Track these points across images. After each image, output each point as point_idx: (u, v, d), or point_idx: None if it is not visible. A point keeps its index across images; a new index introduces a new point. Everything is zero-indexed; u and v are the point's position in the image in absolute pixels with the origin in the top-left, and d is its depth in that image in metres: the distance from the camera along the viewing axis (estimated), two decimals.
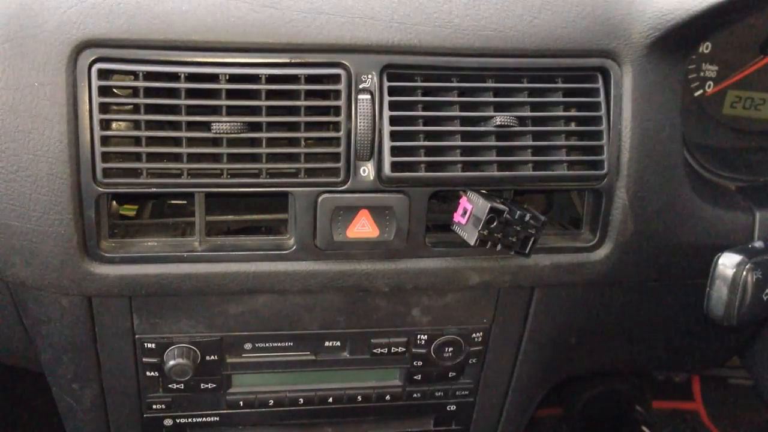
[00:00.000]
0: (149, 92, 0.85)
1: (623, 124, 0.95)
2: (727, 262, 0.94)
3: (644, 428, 1.91)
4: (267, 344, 1.04)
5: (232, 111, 0.86)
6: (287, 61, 0.87)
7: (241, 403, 1.09)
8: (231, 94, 0.86)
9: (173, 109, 0.85)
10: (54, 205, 0.85)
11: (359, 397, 1.12)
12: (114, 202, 0.94)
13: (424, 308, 1.05)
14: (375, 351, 1.07)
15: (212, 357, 1.03)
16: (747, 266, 0.93)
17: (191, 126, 0.85)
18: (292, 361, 1.07)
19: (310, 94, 0.88)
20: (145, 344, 1.00)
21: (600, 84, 0.95)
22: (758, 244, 0.98)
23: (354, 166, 0.89)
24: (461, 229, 0.92)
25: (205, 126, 0.86)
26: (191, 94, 0.85)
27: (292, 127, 0.88)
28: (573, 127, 0.96)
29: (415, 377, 1.11)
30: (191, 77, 0.85)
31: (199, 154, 0.87)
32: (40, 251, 0.87)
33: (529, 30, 0.92)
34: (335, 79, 0.88)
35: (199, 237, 0.92)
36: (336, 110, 0.88)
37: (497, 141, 0.92)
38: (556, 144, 0.94)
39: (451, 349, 1.08)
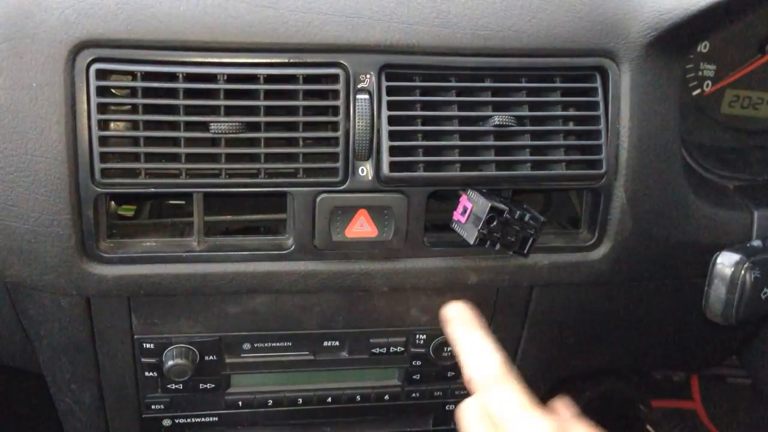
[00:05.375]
0: (147, 92, 0.85)
1: (621, 123, 0.95)
2: (726, 261, 0.94)
3: (649, 428, 1.90)
4: (266, 344, 1.04)
5: (230, 111, 0.86)
6: (285, 61, 0.87)
7: (240, 403, 1.09)
8: (229, 94, 0.86)
9: (171, 110, 0.85)
10: (52, 206, 0.85)
11: (358, 397, 1.12)
12: (112, 203, 0.94)
13: (423, 308, 1.05)
14: (374, 351, 1.07)
15: (211, 357, 1.03)
16: (745, 265, 0.93)
17: (189, 126, 0.85)
18: (291, 361, 1.07)
19: (308, 94, 0.88)
20: (144, 344, 1.00)
21: (598, 83, 0.95)
22: (756, 243, 0.99)
23: (352, 165, 0.90)
24: (461, 227, 0.92)
25: (204, 126, 0.86)
26: (189, 94, 0.85)
27: (291, 127, 0.88)
28: (571, 126, 0.96)
29: (413, 377, 1.12)
30: (189, 77, 0.85)
31: (197, 154, 0.87)
32: (38, 251, 0.87)
33: (528, 29, 0.92)
34: (333, 79, 0.88)
35: (197, 237, 0.92)
36: (334, 110, 0.88)
37: (496, 140, 0.92)
38: (554, 143, 0.94)
39: (449, 348, 1.08)
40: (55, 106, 0.83)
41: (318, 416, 1.14)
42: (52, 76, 0.82)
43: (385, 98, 0.89)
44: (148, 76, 0.84)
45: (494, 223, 0.88)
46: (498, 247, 0.91)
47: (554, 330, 1.14)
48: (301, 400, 1.11)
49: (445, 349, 1.08)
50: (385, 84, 0.89)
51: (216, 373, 1.05)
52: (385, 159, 0.89)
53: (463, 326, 0.87)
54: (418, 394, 1.14)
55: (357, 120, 0.88)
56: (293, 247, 0.92)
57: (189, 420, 1.10)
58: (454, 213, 0.93)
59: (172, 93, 0.85)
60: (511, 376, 0.80)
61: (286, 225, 0.94)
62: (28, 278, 0.90)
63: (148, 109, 0.84)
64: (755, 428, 1.93)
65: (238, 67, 0.86)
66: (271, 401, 1.10)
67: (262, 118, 0.86)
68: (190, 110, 0.85)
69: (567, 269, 1.00)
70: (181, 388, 1.05)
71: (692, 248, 1.03)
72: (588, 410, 2.04)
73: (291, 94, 0.88)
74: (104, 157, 0.85)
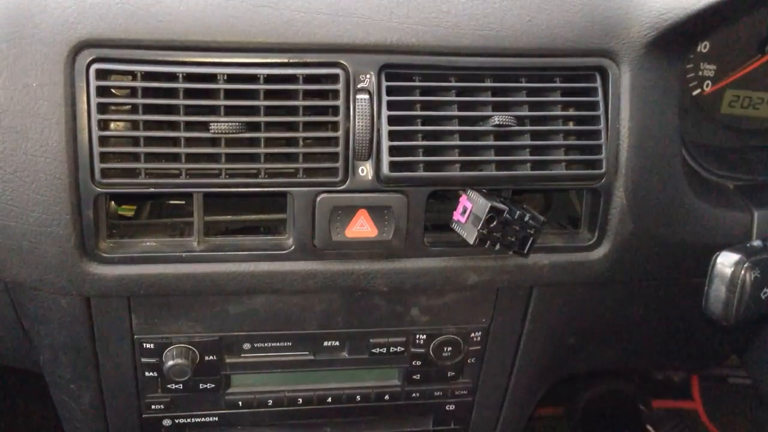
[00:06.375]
0: (147, 92, 0.85)
1: (621, 123, 0.95)
2: (726, 261, 0.94)
3: (649, 427, 1.91)
4: (266, 344, 1.04)
5: (230, 111, 0.86)
6: (285, 61, 0.87)
7: (240, 403, 1.09)
8: (229, 94, 0.86)
9: (171, 109, 0.85)
10: (52, 206, 0.85)
11: (358, 397, 1.12)
12: (112, 203, 0.94)
13: (423, 308, 1.05)
14: (374, 351, 1.07)
15: (211, 357, 1.03)
16: (745, 265, 0.92)
17: (189, 126, 0.85)
18: (291, 361, 1.07)
19: (308, 94, 0.88)
20: (144, 344, 1.00)
21: (598, 83, 0.95)
22: (756, 242, 0.98)
23: (352, 165, 0.90)
24: (461, 227, 0.92)
25: (204, 126, 0.86)
26: (189, 94, 0.85)
27: (291, 126, 0.88)
28: (571, 126, 0.96)
29: (413, 377, 1.12)
30: (189, 77, 0.85)
31: (197, 154, 0.87)
32: (38, 251, 0.87)
33: (528, 29, 0.92)
34: (333, 78, 0.88)
35: (197, 237, 0.92)
36: (334, 110, 0.88)
37: (495, 140, 0.92)
38: (554, 143, 0.94)
39: (449, 348, 1.08)
40: (55, 106, 0.83)
41: (318, 416, 1.14)
42: (52, 76, 0.82)
43: (385, 98, 0.89)
44: (148, 76, 0.84)
45: (494, 223, 0.88)
46: (498, 247, 0.91)
47: (554, 330, 1.14)
48: (301, 400, 1.11)
49: (445, 349, 1.08)
50: (385, 84, 0.89)
51: (216, 373, 1.05)
52: (385, 159, 0.89)
53: None
54: (418, 394, 1.14)
55: (357, 120, 0.88)
56: (293, 247, 0.92)
57: (189, 420, 1.10)
58: (454, 213, 0.93)
59: (172, 93, 0.85)
60: None
61: (286, 225, 0.94)
62: (28, 278, 0.90)
63: (148, 109, 0.84)
64: (755, 428, 1.93)
65: (238, 67, 0.86)
66: (271, 401, 1.10)
67: (262, 118, 0.86)
68: (190, 110, 0.85)
69: (567, 269, 1.00)
70: (181, 388, 1.05)
71: (692, 248, 1.03)
72: (588, 410, 2.05)
73: (291, 94, 0.88)
74: (104, 157, 0.85)
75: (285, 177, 0.89)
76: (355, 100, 0.88)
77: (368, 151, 0.89)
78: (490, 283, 1.00)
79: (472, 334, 1.08)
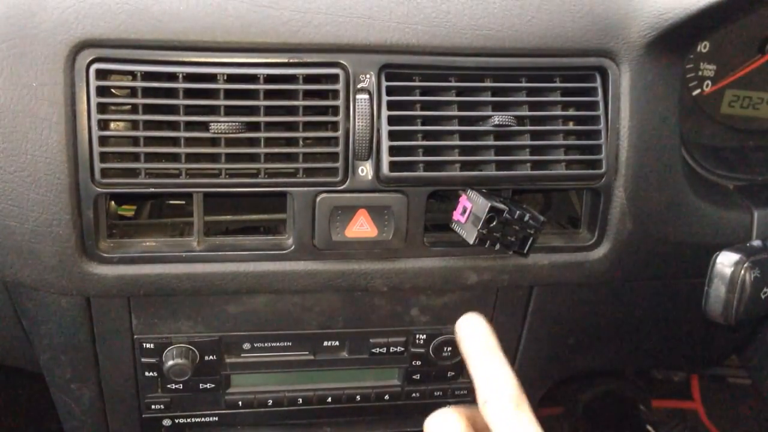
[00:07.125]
0: (147, 92, 0.85)
1: (621, 123, 0.95)
2: (725, 261, 0.94)
3: (649, 428, 1.91)
4: (266, 344, 1.04)
5: (230, 111, 0.86)
6: (285, 61, 0.87)
7: (240, 403, 1.09)
8: (229, 94, 0.86)
9: (171, 109, 0.85)
10: (52, 206, 0.85)
11: (358, 397, 1.12)
12: (112, 203, 0.94)
13: (423, 308, 1.05)
14: (374, 351, 1.07)
15: (211, 357, 1.03)
16: (745, 265, 0.93)
17: (189, 126, 0.86)
18: (291, 361, 1.07)
19: (308, 94, 0.88)
20: (144, 344, 1.01)
21: (598, 83, 0.95)
22: (756, 242, 0.98)
23: (352, 165, 0.90)
24: (460, 227, 0.92)
25: (204, 126, 0.86)
26: (189, 94, 0.85)
27: (291, 126, 0.88)
28: (571, 126, 0.96)
29: (413, 377, 1.12)
30: (189, 77, 0.85)
31: (197, 154, 0.87)
32: (38, 251, 0.87)
33: (528, 29, 0.92)
34: (333, 78, 0.88)
35: (197, 237, 0.92)
36: (334, 110, 0.88)
37: (495, 140, 0.92)
38: (554, 143, 0.94)
39: (449, 348, 1.08)
40: (55, 106, 0.83)
41: (318, 416, 1.14)
42: (52, 75, 0.82)
43: (384, 98, 0.89)
44: (148, 76, 0.84)
45: (494, 223, 0.89)
46: (498, 247, 0.91)
47: (554, 330, 1.14)
48: (301, 400, 1.11)
49: (445, 349, 1.08)
50: (384, 84, 0.89)
51: (216, 373, 1.05)
52: (385, 159, 0.89)
53: (477, 345, 0.79)
54: (418, 394, 1.14)
55: (357, 120, 0.88)
56: (293, 247, 0.92)
57: (189, 420, 1.10)
58: (454, 213, 0.93)
59: (172, 93, 0.85)
60: (527, 405, 0.75)
61: (286, 225, 0.94)
62: (28, 278, 0.90)
63: (148, 109, 0.84)
64: (755, 428, 1.93)
65: (238, 67, 0.86)
66: (271, 401, 1.10)
67: (262, 118, 0.86)
68: (190, 110, 0.85)
69: (567, 269, 1.00)
70: (181, 388, 1.05)
71: (692, 248, 1.03)
72: (588, 410, 2.05)
73: (291, 94, 0.88)
74: (104, 156, 0.85)
75: (285, 177, 0.89)
76: (355, 100, 0.88)
77: (368, 151, 0.89)
78: (490, 283, 1.00)
79: None
